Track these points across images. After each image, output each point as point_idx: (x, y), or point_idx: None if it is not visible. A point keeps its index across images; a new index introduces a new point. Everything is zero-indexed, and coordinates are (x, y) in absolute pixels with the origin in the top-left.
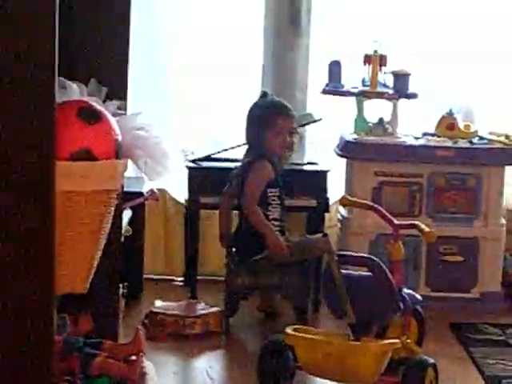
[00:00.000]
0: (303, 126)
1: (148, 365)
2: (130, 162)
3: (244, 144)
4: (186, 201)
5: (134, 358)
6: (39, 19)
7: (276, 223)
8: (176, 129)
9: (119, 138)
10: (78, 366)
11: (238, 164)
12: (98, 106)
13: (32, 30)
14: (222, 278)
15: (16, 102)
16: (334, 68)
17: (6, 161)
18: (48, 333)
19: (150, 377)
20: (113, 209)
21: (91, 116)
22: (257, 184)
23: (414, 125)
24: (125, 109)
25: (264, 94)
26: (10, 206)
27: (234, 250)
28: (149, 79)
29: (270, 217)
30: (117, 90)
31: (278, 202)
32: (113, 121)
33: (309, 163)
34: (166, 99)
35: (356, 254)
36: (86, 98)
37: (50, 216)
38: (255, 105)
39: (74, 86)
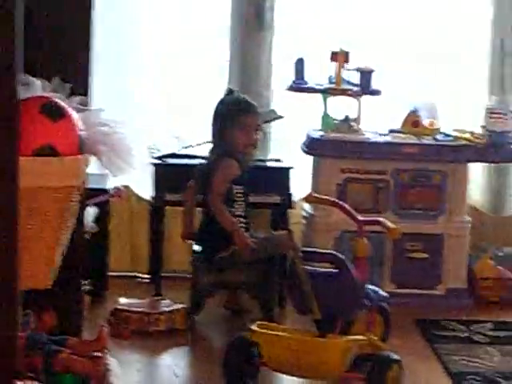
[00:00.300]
0: (267, 122)
1: (112, 361)
2: (93, 159)
3: (210, 141)
4: (151, 198)
5: (97, 354)
6: (1, 16)
7: (241, 220)
8: (141, 126)
9: (83, 133)
10: (42, 362)
11: (203, 161)
12: (62, 102)
13: None
14: (188, 276)
15: None
16: (299, 65)
17: None
18: (11, 329)
19: (114, 373)
20: (76, 205)
21: (54, 112)
22: (223, 181)
23: (380, 122)
24: (88, 105)
25: (230, 92)
26: None
27: (198, 247)
28: (113, 76)
29: (235, 214)
30: (80, 87)
31: (243, 198)
32: (76, 117)
33: (272, 160)
34: (131, 97)
35: (321, 251)
36: (49, 94)
37: (13, 212)
38: (221, 102)
39: (37, 83)
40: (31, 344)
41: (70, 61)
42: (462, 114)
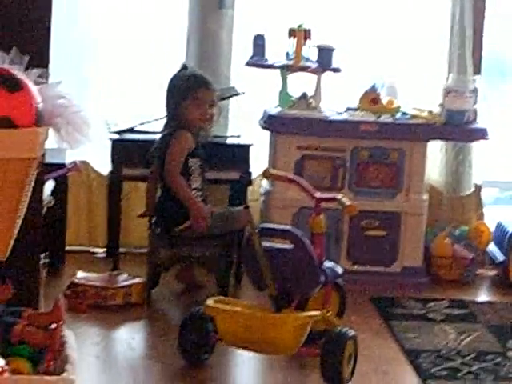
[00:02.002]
0: (225, 99)
1: (68, 333)
2: (51, 132)
3: (166, 116)
4: (109, 172)
5: (54, 326)
6: None
7: (198, 193)
8: (99, 100)
9: (40, 106)
10: None
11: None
12: (19, 75)
13: None
14: (145, 250)
15: None
16: (259, 41)
17: None
18: None
19: (70, 345)
20: (33, 177)
21: (12, 84)
22: (178, 153)
23: (337, 99)
24: (46, 78)
25: (184, 67)
26: None
27: (156, 220)
28: (71, 49)
29: (192, 186)
30: (38, 59)
31: (199, 171)
32: (34, 89)
33: (232, 136)
34: (88, 71)
35: (277, 227)
36: (6, 66)
37: None
38: (175, 77)
39: None
40: None
41: (29, 32)
42: (420, 92)
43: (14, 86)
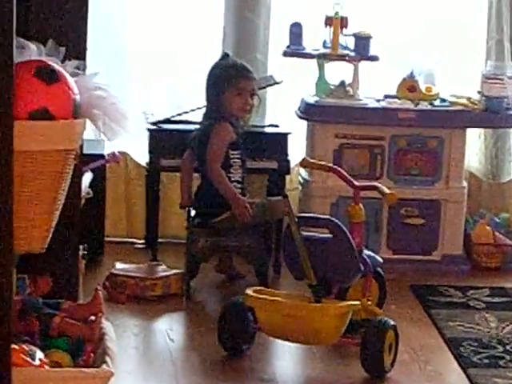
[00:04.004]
0: (264, 88)
1: (107, 325)
2: (89, 124)
3: (204, 106)
4: (146, 164)
5: (93, 318)
6: None
7: (238, 185)
8: (136, 91)
9: (77, 97)
10: (37, 326)
11: (198, 126)
12: (56, 66)
13: None
14: (183, 241)
15: None
16: (295, 30)
17: None
18: (7, 293)
19: (110, 337)
20: (71, 169)
21: (49, 75)
22: (219, 146)
23: (375, 87)
24: (83, 69)
25: (225, 56)
26: None
27: (194, 212)
28: (108, 40)
29: (232, 179)
30: (75, 50)
31: (240, 163)
32: (71, 80)
33: (270, 125)
34: (125, 61)
35: (316, 216)
36: (44, 58)
37: (8, 175)
38: (215, 66)
39: (32, 46)
40: (27, 308)
41: (66, 24)
42: (459, 79)
43: (51, 77)
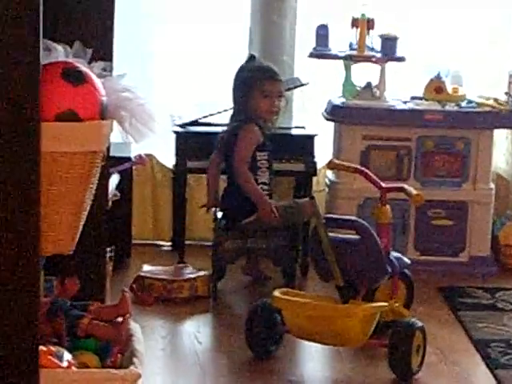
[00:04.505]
0: (290, 89)
1: (135, 327)
2: (116, 126)
3: (231, 108)
4: (173, 166)
5: (120, 319)
6: None
7: (265, 187)
8: (163, 93)
9: (104, 99)
10: (65, 327)
11: (225, 128)
12: (83, 68)
13: None
14: (210, 243)
15: (1, 63)
16: (322, 31)
17: None
18: (34, 295)
19: (137, 338)
20: (98, 171)
21: (76, 77)
22: (246, 148)
23: (402, 88)
24: (110, 70)
25: (251, 58)
26: None
27: (221, 213)
28: (135, 42)
29: (259, 181)
30: (102, 52)
31: (267, 165)
32: (98, 82)
33: (296, 127)
34: (152, 63)
35: (343, 217)
36: (71, 60)
37: (36, 177)
38: (242, 68)
39: (58, 48)
40: (54, 309)
41: (92, 26)
42: (486, 80)
43: (78, 79)
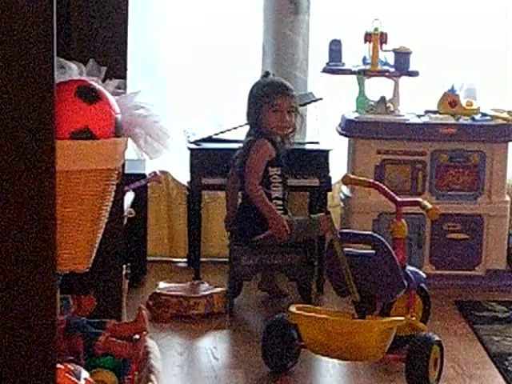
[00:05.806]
0: (304, 105)
1: (152, 344)
2: (130, 143)
3: (245, 124)
4: (188, 182)
5: (137, 336)
6: (37, 1)
7: (278, 202)
8: (177, 110)
9: (119, 116)
10: (82, 345)
11: (240, 145)
12: (97, 85)
13: (29, 10)
14: (226, 259)
15: (15, 81)
16: (335, 47)
17: (6, 141)
18: (51, 313)
19: (154, 355)
20: (113, 188)
21: (90, 95)
22: (257, 162)
23: (415, 103)
24: (124, 88)
25: (266, 74)
26: (11, 185)
27: (236, 230)
28: (149, 59)
29: (272, 196)
30: (116, 70)
31: (280, 180)
32: (112, 100)
33: (310, 142)
34: (166, 80)
35: (359, 232)
36: (85, 78)
37: (51, 195)
38: (255, 84)
39: (72, 66)
40: (71, 328)
41: (106, 44)
42: (499, 93)
43: (93, 97)
